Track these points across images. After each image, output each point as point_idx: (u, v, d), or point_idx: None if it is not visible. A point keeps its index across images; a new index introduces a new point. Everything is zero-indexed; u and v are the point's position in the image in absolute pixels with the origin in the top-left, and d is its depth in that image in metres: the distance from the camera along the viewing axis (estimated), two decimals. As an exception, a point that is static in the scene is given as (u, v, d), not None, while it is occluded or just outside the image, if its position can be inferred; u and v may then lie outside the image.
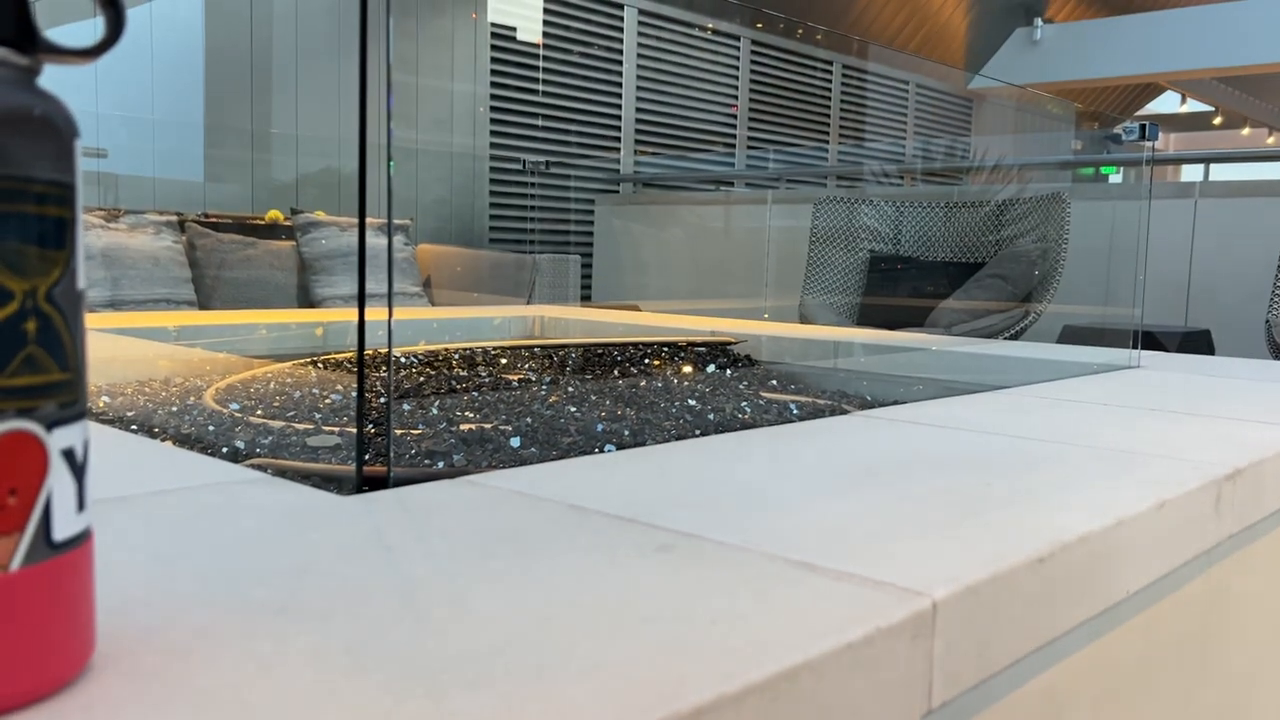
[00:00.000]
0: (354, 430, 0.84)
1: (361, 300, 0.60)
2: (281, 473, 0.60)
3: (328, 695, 0.29)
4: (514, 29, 4.89)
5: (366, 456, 0.65)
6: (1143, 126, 1.27)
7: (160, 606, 0.35)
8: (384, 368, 0.71)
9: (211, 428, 0.86)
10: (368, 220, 0.69)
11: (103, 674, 0.29)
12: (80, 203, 0.28)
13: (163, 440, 0.76)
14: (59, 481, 0.27)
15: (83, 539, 0.29)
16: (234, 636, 0.33)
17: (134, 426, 0.83)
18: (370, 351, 0.74)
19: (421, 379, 1.19)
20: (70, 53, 0.27)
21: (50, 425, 0.27)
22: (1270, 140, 11.17)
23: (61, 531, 0.27)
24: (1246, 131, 11.03)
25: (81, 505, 0.28)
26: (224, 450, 0.76)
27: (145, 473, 0.56)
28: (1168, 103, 10.24)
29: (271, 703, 0.28)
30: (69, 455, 0.28)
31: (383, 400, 0.76)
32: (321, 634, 0.33)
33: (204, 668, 0.30)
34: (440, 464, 0.73)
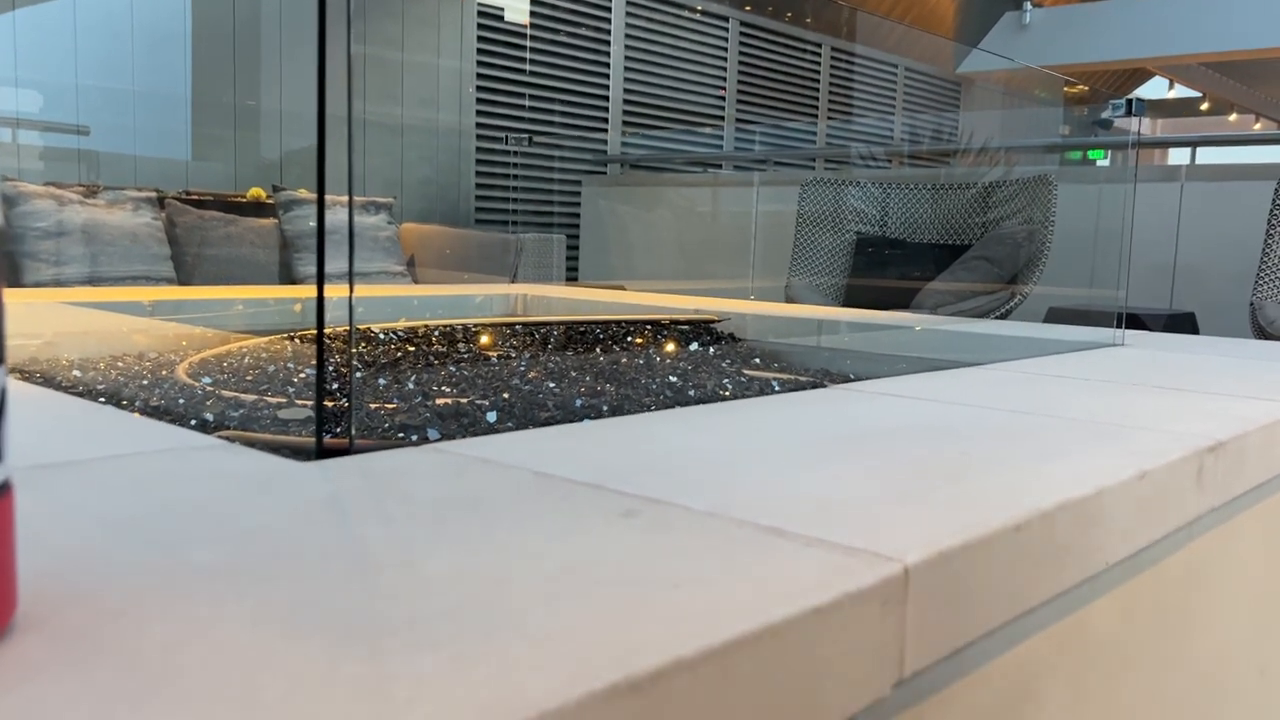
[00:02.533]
0: (327, 403, 0.83)
1: (320, 264, 0.58)
2: (249, 444, 0.58)
3: (263, 658, 0.27)
4: (501, 9, 4.85)
5: (337, 429, 0.64)
6: (1129, 101, 1.26)
7: (96, 568, 0.34)
8: (351, 341, 0.69)
9: (182, 400, 0.84)
10: (347, 198, 0.68)
11: (23, 636, 0.28)
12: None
13: (130, 412, 0.74)
14: (-29, 429, 0.26)
15: (0, 492, 0.27)
16: (170, 598, 0.31)
17: (103, 399, 0.81)
18: (342, 328, 0.72)
19: (399, 355, 1.17)
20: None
21: (-39, 369, 0.25)
22: (1257, 126, 11.20)
23: (-25, 483, 0.26)
24: (1233, 117, 11.05)
25: (-2, 456, 0.27)
26: (192, 422, 0.74)
27: (102, 440, 0.54)
28: (1156, 88, 10.24)
29: (203, 665, 0.27)
30: (-17, 402, 0.26)
31: (353, 372, 0.75)
32: (263, 596, 0.32)
33: (135, 629, 0.29)
34: (414, 438, 0.71)
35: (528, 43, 4.93)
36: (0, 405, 0.27)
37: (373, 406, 0.83)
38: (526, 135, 4.88)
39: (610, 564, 0.36)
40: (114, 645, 0.27)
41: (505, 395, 0.89)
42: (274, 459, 0.51)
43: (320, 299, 0.61)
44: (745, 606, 0.32)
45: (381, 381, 0.97)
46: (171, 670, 0.26)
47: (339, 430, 0.63)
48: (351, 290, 0.68)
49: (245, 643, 0.28)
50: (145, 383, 0.91)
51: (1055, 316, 2.92)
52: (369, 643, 0.28)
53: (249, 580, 0.33)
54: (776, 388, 0.94)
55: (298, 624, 0.29)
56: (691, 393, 0.92)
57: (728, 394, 0.90)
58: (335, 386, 0.73)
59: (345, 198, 0.70)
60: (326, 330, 0.63)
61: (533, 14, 4.96)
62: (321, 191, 0.62)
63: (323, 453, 0.54)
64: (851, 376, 1.04)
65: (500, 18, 4.83)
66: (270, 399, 0.86)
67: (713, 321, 1.58)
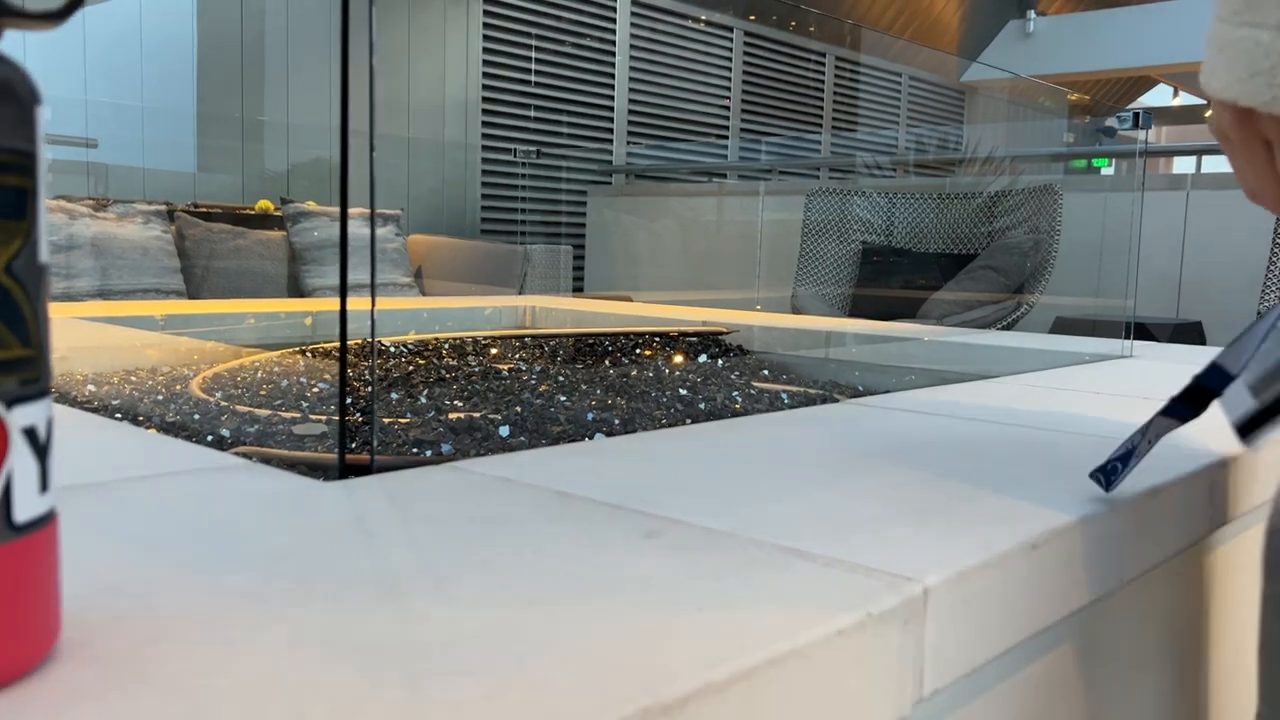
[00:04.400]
0: (340, 419, 0.83)
1: (343, 289, 0.59)
2: (266, 460, 0.59)
3: (302, 682, 0.28)
4: (506, 21, 4.87)
5: (353, 445, 0.64)
6: (1136, 114, 1.26)
7: (131, 592, 0.34)
8: (369, 357, 0.70)
9: (197, 416, 0.84)
10: (358, 210, 0.68)
11: (68, 661, 0.28)
12: (43, 173, 0.27)
13: (147, 428, 0.75)
14: (20, 461, 0.26)
15: (46, 521, 0.28)
16: (207, 622, 0.32)
17: (118, 415, 0.81)
18: (357, 341, 0.73)
19: (410, 368, 1.18)
20: (32, 17, 0.26)
21: (10, 403, 0.26)
22: (1262, 134, 11.16)
23: (23, 513, 0.26)
24: (1238, 125, 11.01)
25: (45, 486, 0.27)
26: (209, 438, 0.75)
27: (124, 459, 0.55)
28: (1160, 95, 10.25)
29: (243, 689, 0.27)
30: (31, 434, 0.27)
31: (369, 389, 0.75)
32: (297, 620, 0.32)
33: (174, 654, 0.29)
34: (428, 453, 0.72)
35: (533, 53, 4.95)
36: (48, 437, 0.27)
37: (386, 421, 0.84)
38: (535, 149, 4.90)
39: (635, 586, 0.37)
40: (157, 669, 0.28)
41: (517, 409, 0.90)
42: (297, 479, 0.51)
43: (343, 313, 0.61)
44: (770, 629, 0.33)
45: (394, 396, 0.98)
46: (216, 695, 0.27)
47: (354, 446, 0.64)
48: (374, 304, 0.68)
49: (284, 668, 0.29)
50: (160, 398, 0.92)
51: (1062, 326, 2.93)
52: (405, 667, 0.29)
53: (283, 603, 0.34)
54: (786, 400, 0.94)
55: (333, 648, 0.30)
56: (702, 406, 0.92)
57: (738, 407, 0.91)
58: (350, 401, 0.74)
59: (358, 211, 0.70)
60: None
61: (538, 25, 4.98)
62: (344, 204, 0.62)
63: (345, 470, 0.55)
64: (860, 389, 1.05)
65: (506, 29, 4.85)
66: (285, 414, 0.87)
67: (721, 333, 1.59)
